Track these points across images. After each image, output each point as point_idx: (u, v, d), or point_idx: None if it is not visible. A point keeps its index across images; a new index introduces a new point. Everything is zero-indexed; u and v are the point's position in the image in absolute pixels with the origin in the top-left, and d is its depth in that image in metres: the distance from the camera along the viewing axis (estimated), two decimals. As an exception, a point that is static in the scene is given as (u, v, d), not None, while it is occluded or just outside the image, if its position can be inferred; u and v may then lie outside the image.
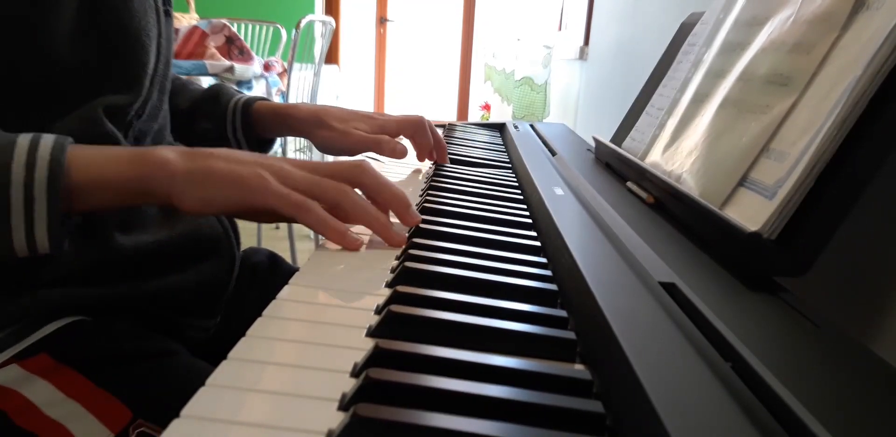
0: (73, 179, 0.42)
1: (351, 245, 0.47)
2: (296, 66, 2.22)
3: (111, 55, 0.52)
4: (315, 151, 2.03)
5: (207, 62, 1.97)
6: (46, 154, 0.41)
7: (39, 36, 0.48)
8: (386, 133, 0.71)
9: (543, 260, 0.46)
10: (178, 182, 0.44)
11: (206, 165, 0.45)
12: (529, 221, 0.56)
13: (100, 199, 0.44)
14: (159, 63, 0.57)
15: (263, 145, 0.79)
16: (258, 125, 0.74)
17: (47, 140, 0.42)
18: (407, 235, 0.50)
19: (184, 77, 0.81)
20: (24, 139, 0.41)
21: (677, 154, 0.57)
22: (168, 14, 0.60)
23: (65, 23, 0.48)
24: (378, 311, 0.37)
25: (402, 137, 0.73)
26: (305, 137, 0.74)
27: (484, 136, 1.04)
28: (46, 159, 0.41)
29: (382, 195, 0.49)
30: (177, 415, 0.26)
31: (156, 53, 0.56)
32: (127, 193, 0.44)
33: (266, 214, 0.47)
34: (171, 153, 0.45)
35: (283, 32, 2.83)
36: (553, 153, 0.82)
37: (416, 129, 0.72)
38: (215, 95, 0.76)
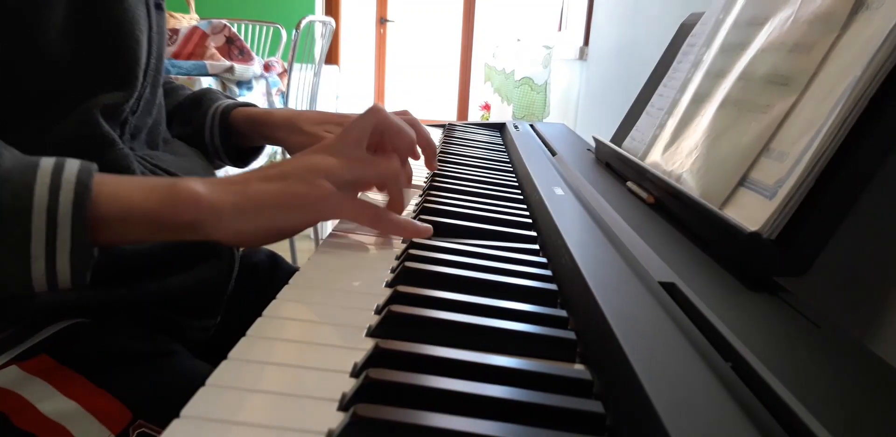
0: (101, 207, 0.39)
1: (424, 234, 0.48)
2: (296, 66, 2.22)
3: (104, 50, 0.51)
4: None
5: (208, 62, 1.97)
6: (72, 177, 0.38)
7: (34, 32, 0.47)
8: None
9: (543, 260, 0.46)
10: (219, 216, 0.41)
11: (245, 192, 0.42)
12: (529, 221, 0.56)
13: (127, 231, 0.40)
14: (151, 57, 0.56)
15: (246, 156, 0.76)
16: (236, 133, 0.71)
17: (72, 164, 0.39)
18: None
19: (182, 78, 0.81)
20: (47, 162, 0.38)
21: (677, 154, 0.57)
22: (159, 7, 0.59)
23: (58, 18, 0.48)
24: (378, 311, 0.37)
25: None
26: (280, 144, 0.71)
27: (484, 136, 1.04)
28: (73, 182, 0.38)
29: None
30: (177, 415, 0.26)
31: (147, 47, 0.55)
32: (156, 227, 0.41)
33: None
34: (200, 186, 0.41)
35: (284, 33, 2.83)
36: (553, 153, 0.82)
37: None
38: (198, 100, 0.73)
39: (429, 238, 0.48)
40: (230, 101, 0.74)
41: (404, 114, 0.67)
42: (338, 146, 0.48)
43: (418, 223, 0.49)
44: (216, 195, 0.41)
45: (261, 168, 0.46)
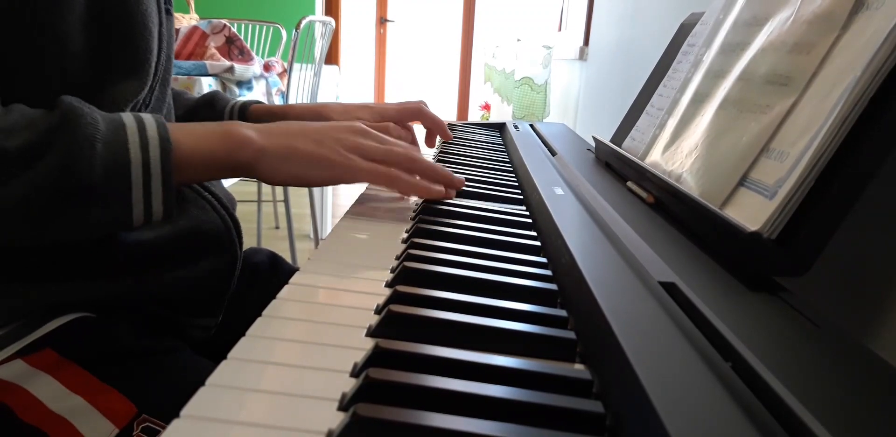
0: (178, 155, 0.46)
1: (440, 195, 0.56)
2: (296, 66, 2.21)
3: (120, 39, 0.52)
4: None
5: (207, 62, 1.97)
6: (155, 134, 0.45)
7: (53, 20, 0.48)
8: (387, 120, 0.74)
9: (543, 260, 0.46)
10: (266, 159, 0.49)
11: (290, 145, 0.50)
12: (529, 221, 0.56)
13: (196, 172, 0.48)
14: (161, 54, 0.57)
15: None
16: None
17: (149, 119, 0.46)
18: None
19: (182, 78, 0.83)
20: (129, 120, 0.45)
21: (677, 154, 0.57)
22: (169, 12, 0.60)
23: (76, 6, 0.49)
24: (378, 311, 0.37)
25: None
26: None
27: (484, 136, 1.04)
28: (157, 139, 0.45)
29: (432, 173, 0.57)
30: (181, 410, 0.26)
31: (157, 43, 0.56)
32: (218, 167, 0.49)
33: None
34: (251, 131, 0.50)
35: (284, 33, 2.83)
36: (553, 153, 0.82)
37: (418, 113, 0.78)
38: (210, 101, 0.77)
39: (429, 237, 0.48)
40: (242, 99, 0.78)
41: (419, 104, 0.80)
42: (365, 132, 0.55)
43: (431, 185, 0.55)
44: (264, 140, 0.50)
45: (300, 125, 0.53)
